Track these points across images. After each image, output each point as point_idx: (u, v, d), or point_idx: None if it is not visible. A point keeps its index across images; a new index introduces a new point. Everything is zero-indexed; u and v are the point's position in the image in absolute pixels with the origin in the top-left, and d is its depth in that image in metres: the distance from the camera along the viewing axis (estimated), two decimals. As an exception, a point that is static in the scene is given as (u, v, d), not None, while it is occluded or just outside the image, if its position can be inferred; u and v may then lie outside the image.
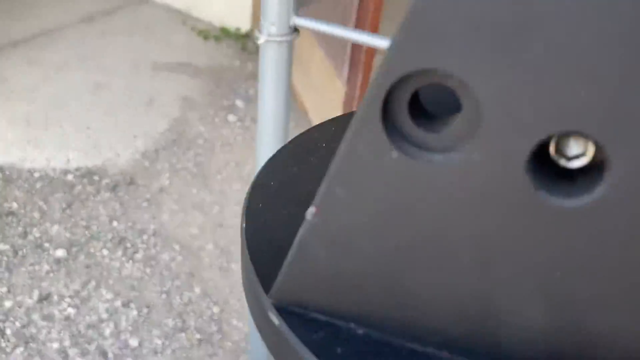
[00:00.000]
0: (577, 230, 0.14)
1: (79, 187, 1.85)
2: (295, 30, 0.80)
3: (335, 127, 0.27)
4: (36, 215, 1.73)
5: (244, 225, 0.20)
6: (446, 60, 0.13)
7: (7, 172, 1.86)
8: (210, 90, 2.45)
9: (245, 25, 2.95)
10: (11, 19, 2.75)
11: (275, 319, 0.17)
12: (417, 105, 0.15)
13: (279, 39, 0.78)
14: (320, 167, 0.24)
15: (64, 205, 1.77)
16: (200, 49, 2.76)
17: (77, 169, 1.91)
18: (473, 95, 0.13)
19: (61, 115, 2.14)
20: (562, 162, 0.14)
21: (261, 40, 0.78)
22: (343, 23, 1.92)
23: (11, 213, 1.73)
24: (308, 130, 0.26)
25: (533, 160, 0.14)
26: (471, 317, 0.15)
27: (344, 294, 0.17)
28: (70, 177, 1.88)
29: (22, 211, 1.74)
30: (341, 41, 1.97)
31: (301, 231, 0.17)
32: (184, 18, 2.99)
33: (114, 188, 1.87)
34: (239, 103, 2.40)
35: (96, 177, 1.90)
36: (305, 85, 2.36)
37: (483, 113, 0.14)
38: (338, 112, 2.00)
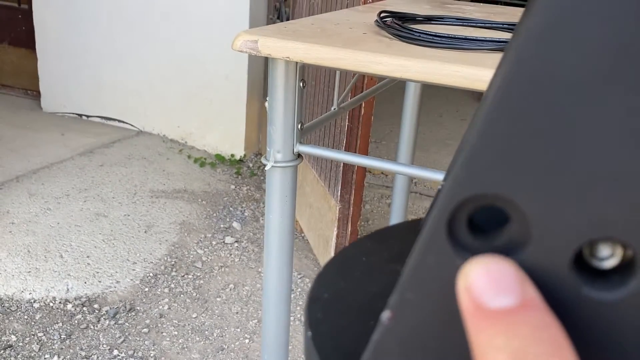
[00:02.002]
0: (619, 321, 0.18)
1: (79, 316, 1.84)
2: (299, 156, 0.86)
3: (371, 243, 0.31)
4: (35, 347, 1.71)
5: (310, 333, 0.24)
6: (499, 187, 0.17)
7: (7, 304, 1.86)
8: (207, 214, 2.51)
9: (239, 152, 3.07)
10: (15, 156, 2.85)
11: None
12: (472, 221, 0.19)
13: (284, 164, 0.85)
14: (364, 279, 0.28)
15: (63, 336, 1.76)
16: (197, 176, 2.85)
17: (77, 298, 1.92)
18: (521, 210, 0.17)
19: (61, 246, 2.17)
20: (595, 263, 0.18)
21: (268, 166, 0.85)
22: (335, 148, 2.03)
23: (9, 346, 1.71)
24: (345, 248, 0.30)
25: (574, 262, 0.18)
26: None
27: None
28: (70, 306, 1.88)
29: (21, 344, 1.72)
30: (333, 163, 2.07)
31: (376, 335, 0.20)
32: (180, 147, 3.12)
33: (114, 315, 1.86)
34: (236, 225, 2.45)
35: (96, 305, 1.90)
36: (300, 205, 2.43)
37: (530, 225, 0.17)
38: (334, 229, 2.06)
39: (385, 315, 0.19)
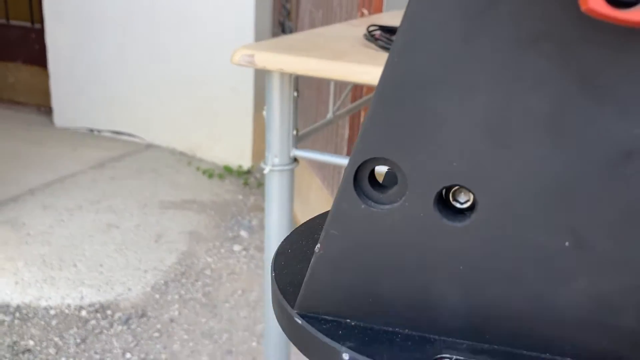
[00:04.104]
0: (469, 241, 0.25)
1: (92, 322, 1.92)
2: (295, 160, 0.93)
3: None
4: (52, 351, 1.78)
5: (274, 274, 0.31)
6: (385, 153, 0.25)
7: (24, 311, 1.94)
8: (216, 224, 2.58)
9: (246, 163, 3.15)
10: (29, 170, 2.94)
11: (298, 320, 0.28)
12: (373, 178, 0.27)
13: (281, 168, 0.92)
14: (318, 239, 0.36)
15: (78, 340, 1.83)
16: (205, 187, 2.93)
17: (90, 305, 1.99)
18: (400, 168, 0.25)
19: (75, 255, 2.25)
20: (456, 205, 0.26)
21: (266, 170, 0.92)
22: (337, 154, 2.10)
23: (27, 350, 1.78)
24: (310, 219, 0.38)
25: (438, 203, 0.25)
26: (419, 302, 0.26)
27: (341, 300, 0.27)
28: (84, 312, 1.95)
29: (38, 348, 1.79)
30: (336, 169, 2.14)
31: (312, 262, 0.28)
32: (188, 159, 3.20)
33: (126, 321, 1.93)
34: (243, 233, 2.53)
35: (109, 312, 1.97)
36: (304, 213, 2.50)
37: (408, 181, 0.25)
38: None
39: (317, 247, 0.26)
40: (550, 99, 0.22)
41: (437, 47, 0.23)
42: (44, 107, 3.86)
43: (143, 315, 1.97)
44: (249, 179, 3.06)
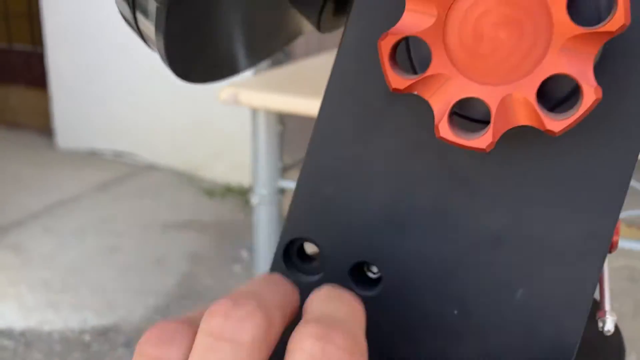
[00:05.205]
0: (378, 308, 0.28)
1: (95, 346, 1.94)
2: (282, 191, 0.96)
3: None
4: (54, 376, 1.81)
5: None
6: (306, 233, 0.28)
7: (28, 336, 1.96)
8: (217, 244, 2.61)
9: (247, 181, 3.18)
10: (31, 193, 2.98)
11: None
12: (303, 251, 0.30)
13: (269, 199, 0.95)
14: None
15: (81, 365, 1.86)
16: (206, 206, 2.96)
17: (93, 328, 2.02)
18: (319, 245, 0.28)
19: (77, 279, 2.28)
20: (370, 275, 0.29)
21: (255, 201, 0.94)
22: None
23: (31, 376, 1.81)
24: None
25: (352, 274, 0.29)
26: None
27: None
28: (87, 336, 1.98)
29: (41, 373, 1.82)
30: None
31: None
32: (189, 179, 3.24)
33: (128, 344, 1.96)
34: (244, 253, 2.55)
35: (111, 335, 1.99)
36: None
37: (323, 259, 0.28)
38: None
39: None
40: (433, 194, 0.26)
41: (340, 149, 0.27)
42: (46, 129, 3.91)
43: (144, 337, 2.00)
44: (250, 198, 3.09)
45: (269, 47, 0.46)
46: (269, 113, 0.90)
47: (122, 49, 3.27)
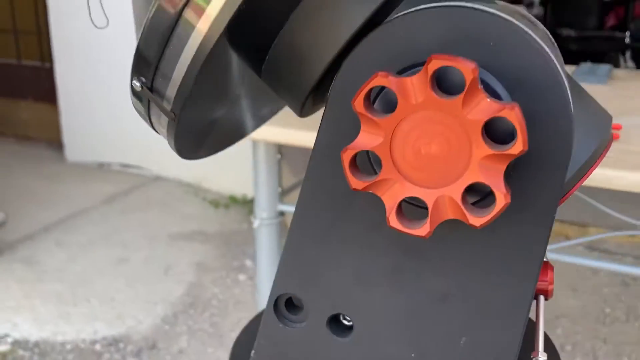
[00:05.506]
0: (351, 351, 0.35)
1: (106, 356, 2.02)
2: (282, 214, 1.04)
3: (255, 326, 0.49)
4: (68, 385, 1.88)
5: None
6: (291, 289, 0.36)
7: (42, 347, 2.04)
8: (222, 254, 2.68)
9: (251, 192, 3.26)
10: (42, 207, 3.07)
11: None
12: (291, 303, 0.37)
13: (269, 222, 1.02)
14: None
15: (93, 374, 1.94)
16: (212, 217, 3.04)
17: (104, 339, 2.09)
18: (301, 301, 0.36)
19: (88, 291, 2.36)
20: (346, 322, 0.37)
21: (256, 224, 1.02)
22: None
23: (46, 385, 1.88)
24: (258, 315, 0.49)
25: (331, 322, 0.36)
26: None
27: None
28: (98, 346, 2.06)
29: (56, 383, 1.90)
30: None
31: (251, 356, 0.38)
32: (195, 190, 3.32)
33: (137, 353, 2.03)
34: (248, 263, 2.63)
35: (121, 345, 2.07)
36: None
37: (306, 310, 0.36)
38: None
39: (252, 352, 0.37)
40: (392, 261, 0.34)
41: (317, 229, 0.34)
42: (56, 142, 3.99)
43: (153, 347, 2.08)
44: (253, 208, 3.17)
45: (271, 112, 0.54)
46: (268, 144, 0.97)
47: (128, 64, 3.35)
